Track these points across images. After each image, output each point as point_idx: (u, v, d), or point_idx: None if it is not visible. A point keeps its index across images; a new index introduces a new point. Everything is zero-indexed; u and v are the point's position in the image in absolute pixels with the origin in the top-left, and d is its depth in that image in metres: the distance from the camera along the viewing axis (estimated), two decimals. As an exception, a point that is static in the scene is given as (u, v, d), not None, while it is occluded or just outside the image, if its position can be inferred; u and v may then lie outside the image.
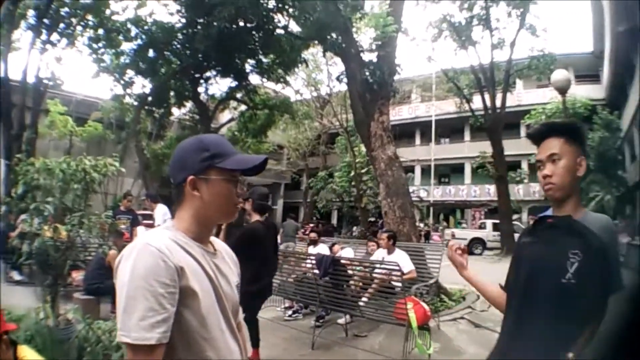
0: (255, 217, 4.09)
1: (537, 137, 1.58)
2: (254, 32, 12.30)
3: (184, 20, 13.42)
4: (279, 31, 11.60)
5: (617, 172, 21.44)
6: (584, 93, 24.12)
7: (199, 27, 12.45)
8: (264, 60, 15.14)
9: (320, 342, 4.82)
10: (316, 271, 5.29)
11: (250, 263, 3.30)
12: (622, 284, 1.42)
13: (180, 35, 14.06)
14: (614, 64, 21.79)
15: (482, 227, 21.80)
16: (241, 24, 11.50)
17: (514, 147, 24.41)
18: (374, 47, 8.50)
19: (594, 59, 26.95)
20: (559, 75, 8.39)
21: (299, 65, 15.59)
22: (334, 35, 8.38)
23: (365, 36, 9.02)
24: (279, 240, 6.60)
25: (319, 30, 8.48)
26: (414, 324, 4.15)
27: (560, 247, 1.42)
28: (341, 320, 5.52)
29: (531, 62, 18.81)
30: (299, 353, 4.53)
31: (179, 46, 14.68)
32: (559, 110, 19.91)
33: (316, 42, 8.36)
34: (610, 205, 19.43)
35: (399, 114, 29.19)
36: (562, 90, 8.38)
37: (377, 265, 5.53)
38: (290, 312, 6.09)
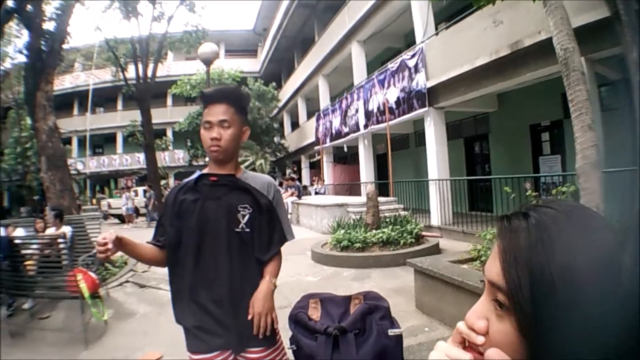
0: None
1: (210, 99, 1.71)
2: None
3: None
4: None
5: (272, 139, 23.94)
6: (237, 66, 26.58)
7: None
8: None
9: (15, 330, 4.82)
10: None
11: None
12: (284, 231, 1.74)
13: None
14: (278, 39, 24.91)
15: (137, 194, 21.71)
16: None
17: (160, 115, 26.87)
18: (54, 16, 8.48)
19: (253, 35, 30.90)
20: (206, 48, 8.92)
21: (-1, 39, 14.91)
22: (29, 7, 8.09)
23: (50, 6, 8.90)
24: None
25: (20, 2, 8.08)
26: (86, 293, 4.38)
27: (229, 202, 1.65)
28: (26, 305, 5.48)
29: (184, 35, 20.37)
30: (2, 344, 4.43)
31: None
32: (204, 80, 21.97)
33: (16, 14, 8.08)
34: (264, 169, 21.43)
35: (61, 83, 28.05)
36: (207, 61, 8.91)
37: (48, 242, 5.65)
38: None
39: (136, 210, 18.78)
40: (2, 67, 22.57)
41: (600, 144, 3.30)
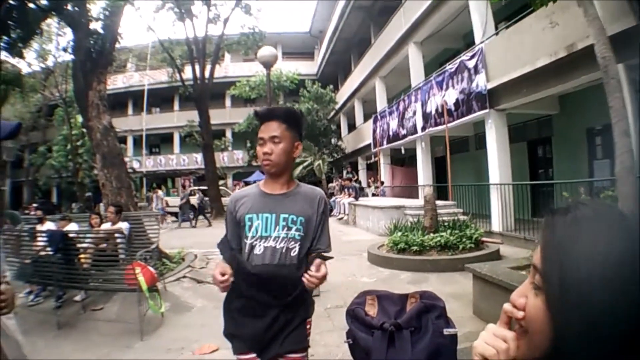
0: None
1: (263, 117, 1.83)
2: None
3: None
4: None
5: (330, 141, 23.75)
6: (294, 68, 26.50)
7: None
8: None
9: (63, 321, 4.90)
10: (49, 249, 5.33)
11: None
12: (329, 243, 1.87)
13: None
14: (334, 41, 24.56)
15: (192, 194, 21.14)
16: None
17: (219, 116, 26.80)
18: (102, 16, 8.51)
19: (309, 38, 30.69)
20: (266, 51, 8.77)
21: (35, 36, 13.50)
22: (70, 6, 8.07)
23: (96, 6, 9.04)
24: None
25: (60, 1, 8.00)
26: (144, 286, 4.46)
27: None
28: (78, 297, 5.60)
29: (241, 37, 20.47)
30: (47, 335, 4.56)
31: None
32: (263, 82, 22.28)
33: (54, 12, 8.11)
34: (322, 169, 21.09)
35: (113, 83, 27.92)
36: (267, 65, 8.76)
37: (104, 236, 5.94)
38: (32, 297, 5.92)
39: (193, 209, 19.26)
40: (44, 65, 23.98)
41: (635, 149, 3.30)
